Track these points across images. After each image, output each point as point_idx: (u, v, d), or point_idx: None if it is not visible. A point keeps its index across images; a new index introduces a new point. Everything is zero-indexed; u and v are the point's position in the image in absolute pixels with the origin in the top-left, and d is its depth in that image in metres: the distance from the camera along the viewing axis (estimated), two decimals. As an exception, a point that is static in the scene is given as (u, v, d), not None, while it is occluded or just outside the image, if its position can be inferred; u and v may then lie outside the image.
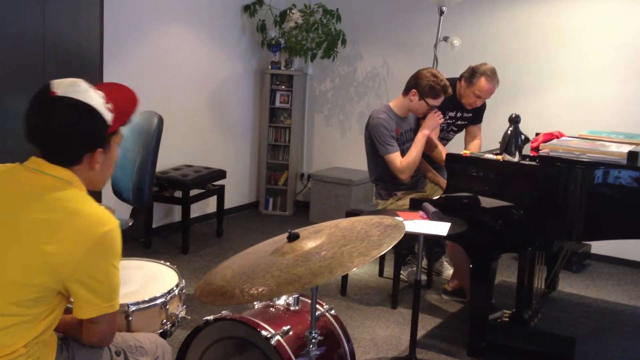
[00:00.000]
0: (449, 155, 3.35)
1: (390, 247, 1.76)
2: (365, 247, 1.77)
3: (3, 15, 3.50)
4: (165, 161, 5.11)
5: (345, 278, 4.28)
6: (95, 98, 1.71)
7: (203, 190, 5.18)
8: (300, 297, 2.54)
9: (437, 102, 3.96)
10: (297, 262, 1.78)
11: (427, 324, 3.83)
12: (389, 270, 4.56)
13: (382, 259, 4.69)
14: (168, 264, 2.50)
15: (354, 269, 4.62)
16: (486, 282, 3.28)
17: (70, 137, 1.69)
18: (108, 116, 1.73)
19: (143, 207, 3.69)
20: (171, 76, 5.22)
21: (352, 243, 1.81)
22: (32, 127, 1.70)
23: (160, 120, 3.69)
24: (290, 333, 2.29)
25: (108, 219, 1.69)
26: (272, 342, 2.19)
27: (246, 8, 5.79)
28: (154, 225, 5.07)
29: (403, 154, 4.02)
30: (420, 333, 3.68)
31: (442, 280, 4.50)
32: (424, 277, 4.43)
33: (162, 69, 5.12)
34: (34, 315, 1.64)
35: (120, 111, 1.78)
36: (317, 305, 2.54)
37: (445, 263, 4.67)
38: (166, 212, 5.33)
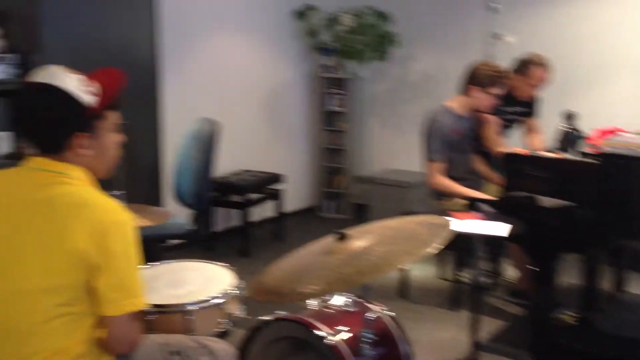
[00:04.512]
0: (505, 154, 3.31)
1: (437, 245, 1.76)
2: (412, 246, 1.78)
3: (61, 27, 3.66)
4: (225, 167, 5.23)
5: (404, 279, 4.27)
6: (66, 81, 1.69)
7: (261, 195, 5.27)
8: (357, 299, 2.56)
9: (500, 90, 3.93)
10: (345, 261, 1.81)
11: (490, 326, 3.78)
12: (450, 272, 4.52)
13: (442, 260, 4.65)
14: (227, 265, 2.56)
15: (414, 271, 4.55)
16: (547, 283, 3.22)
17: (45, 122, 1.68)
18: (85, 98, 1.70)
19: (203, 211, 3.80)
20: (226, 83, 5.33)
21: (400, 242, 1.82)
22: (12, 118, 1.70)
23: (216, 127, 3.80)
24: (346, 333, 2.31)
25: (117, 209, 1.68)
26: (328, 342, 2.22)
27: (297, 13, 5.86)
28: (215, 230, 5.19)
29: (462, 154, 4.03)
30: (483, 335, 3.63)
31: (506, 282, 4.44)
32: (487, 280, 4.38)
33: (217, 76, 5.25)
34: (80, 312, 1.66)
35: (103, 93, 1.74)
36: (374, 307, 2.55)
37: (509, 265, 4.60)
38: (227, 217, 5.44)
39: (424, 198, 5.73)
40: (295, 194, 6.14)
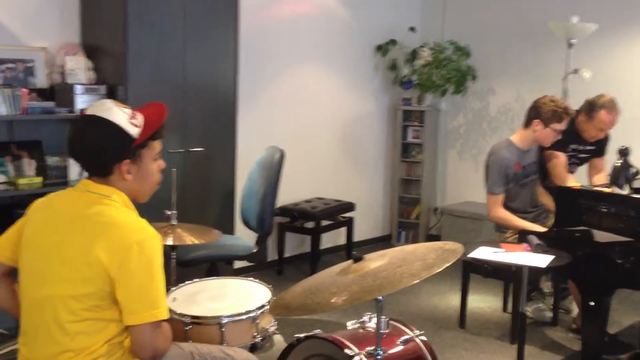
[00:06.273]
0: (557, 188, 3.31)
1: (440, 269, 1.85)
2: (417, 268, 1.87)
3: (146, 61, 3.99)
4: (298, 194, 5.44)
5: (463, 310, 4.27)
6: (118, 114, 1.91)
7: (332, 222, 5.42)
8: (391, 321, 2.64)
9: (563, 125, 3.91)
10: (354, 280, 1.93)
11: (546, 360, 3.74)
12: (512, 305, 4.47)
13: (506, 293, 4.61)
14: (263, 283, 2.72)
15: (478, 303, 4.49)
16: (598, 318, 3.17)
17: (94, 149, 1.91)
18: (132, 130, 1.91)
19: (265, 235, 4.00)
20: (306, 113, 5.56)
21: (407, 265, 1.92)
22: (68, 143, 1.95)
23: (282, 155, 4.00)
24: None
25: (141, 228, 1.85)
26: (355, 361, 2.32)
27: (379, 48, 6.04)
28: (286, 255, 5.39)
29: (525, 188, 4.03)
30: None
31: (569, 319, 4.35)
32: (550, 314, 4.32)
33: (297, 106, 5.48)
34: (108, 318, 1.85)
35: (147, 125, 1.95)
36: (408, 330, 2.62)
37: (574, 301, 4.49)
38: (298, 243, 5.63)
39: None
40: (370, 222, 6.25)
